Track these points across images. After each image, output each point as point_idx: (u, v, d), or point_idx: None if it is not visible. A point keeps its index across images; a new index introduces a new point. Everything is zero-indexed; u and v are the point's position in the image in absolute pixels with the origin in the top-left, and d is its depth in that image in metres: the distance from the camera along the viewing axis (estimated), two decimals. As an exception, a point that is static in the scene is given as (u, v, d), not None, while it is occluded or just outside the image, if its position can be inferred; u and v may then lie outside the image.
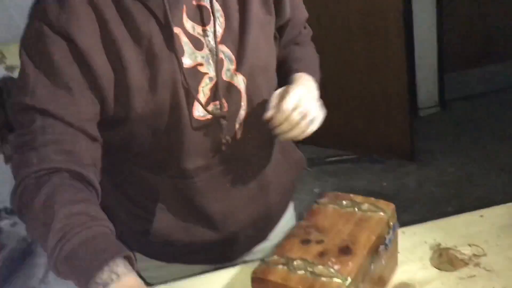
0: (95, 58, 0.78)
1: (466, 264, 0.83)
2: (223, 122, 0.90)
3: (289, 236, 0.78)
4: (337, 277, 0.68)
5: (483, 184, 2.73)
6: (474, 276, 0.81)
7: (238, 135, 0.93)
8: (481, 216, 0.94)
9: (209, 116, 0.89)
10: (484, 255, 0.85)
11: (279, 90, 0.89)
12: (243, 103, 0.93)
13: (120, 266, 0.68)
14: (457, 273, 0.82)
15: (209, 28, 0.86)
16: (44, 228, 0.72)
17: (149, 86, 0.82)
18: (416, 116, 3.50)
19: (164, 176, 0.92)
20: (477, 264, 0.83)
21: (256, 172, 0.98)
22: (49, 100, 0.77)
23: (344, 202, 0.83)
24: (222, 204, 0.95)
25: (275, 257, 0.74)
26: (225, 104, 0.90)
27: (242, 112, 0.93)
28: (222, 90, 0.89)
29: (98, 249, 0.70)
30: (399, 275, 0.84)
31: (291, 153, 1.09)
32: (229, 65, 0.89)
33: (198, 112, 0.88)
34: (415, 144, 3.11)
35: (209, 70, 0.87)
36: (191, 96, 0.86)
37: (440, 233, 0.91)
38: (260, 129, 0.92)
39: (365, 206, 0.82)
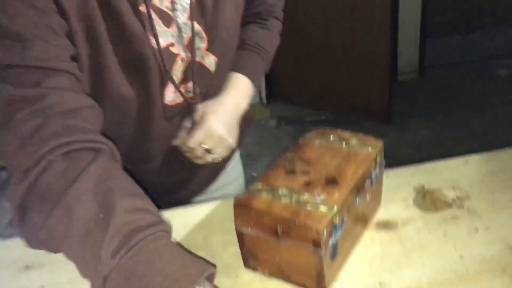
0: (73, 19, 0.68)
1: (449, 206, 0.82)
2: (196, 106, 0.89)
3: (274, 167, 0.75)
4: (323, 206, 0.66)
5: (456, 149, 2.77)
6: (457, 217, 0.80)
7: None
8: (466, 162, 0.93)
9: (180, 100, 0.86)
10: (468, 198, 0.84)
11: (195, 116, 0.90)
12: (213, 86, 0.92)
13: None
14: (440, 214, 0.81)
15: (178, 0, 0.79)
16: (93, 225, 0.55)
17: (122, 66, 0.76)
18: (395, 80, 3.50)
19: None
20: (460, 206, 0.82)
21: None
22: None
23: (332, 137, 0.81)
24: (175, 175, 1.00)
25: (259, 185, 0.71)
26: (197, 88, 0.88)
27: (212, 95, 0.92)
28: (193, 72, 0.85)
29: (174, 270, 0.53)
30: (381, 214, 0.82)
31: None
32: (199, 44, 0.84)
33: (169, 97, 0.85)
34: (392, 108, 3.12)
35: (180, 50, 0.82)
36: (165, 80, 0.81)
37: (424, 176, 0.90)
38: None
39: (353, 141, 0.79)
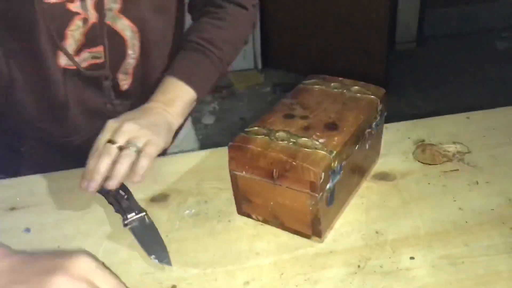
0: None
1: (449, 160, 0.80)
2: (105, 74, 0.80)
3: (271, 111, 0.72)
4: (322, 150, 0.63)
5: (451, 120, 2.75)
6: (458, 170, 0.78)
7: (123, 88, 0.84)
8: (468, 118, 0.91)
9: (85, 65, 0.78)
10: (469, 152, 0.81)
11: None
12: (131, 52, 0.81)
13: None
14: (440, 167, 0.79)
15: None
16: None
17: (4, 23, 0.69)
18: (392, 49, 3.45)
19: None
20: (461, 160, 0.80)
21: None
22: None
23: (332, 84, 0.78)
24: None
25: (256, 128, 0.68)
26: (105, 54, 0.78)
27: (130, 62, 0.83)
28: (102, 36, 0.76)
29: None
30: (380, 166, 0.80)
31: None
32: (111, 4, 0.75)
33: (66, 61, 0.77)
34: (389, 77, 3.09)
35: (82, 8, 0.73)
36: (54, 43, 0.73)
37: (424, 131, 0.88)
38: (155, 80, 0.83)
39: (355, 88, 0.76)
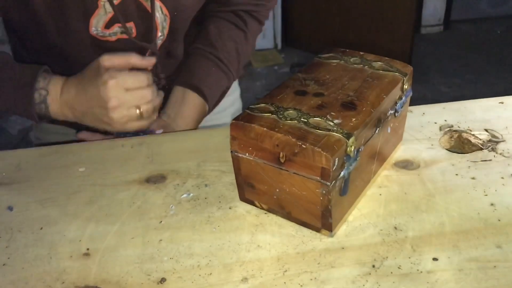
0: None
1: (480, 148, 0.71)
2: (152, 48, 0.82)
3: (281, 86, 0.64)
4: (337, 132, 0.55)
5: (476, 108, 2.63)
6: (490, 160, 0.69)
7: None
8: (501, 102, 0.82)
9: (113, 38, 0.79)
10: (503, 141, 0.72)
11: None
12: (160, 34, 0.83)
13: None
14: (470, 156, 0.70)
15: None
16: None
17: None
18: (417, 33, 3.32)
19: None
20: (493, 149, 0.71)
21: None
22: None
23: (352, 59, 0.69)
24: None
25: (262, 105, 0.60)
26: (134, 29, 0.80)
27: (157, 43, 0.84)
28: (132, 12, 0.78)
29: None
30: (402, 152, 0.71)
31: None
32: None
33: (97, 30, 0.78)
34: (413, 61, 2.97)
35: None
36: (90, 7, 0.75)
37: (453, 116, 0.79)
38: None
39: (378, 64, 0.67)
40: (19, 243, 0.59)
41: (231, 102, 1.04)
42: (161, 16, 0.82)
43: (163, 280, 0.54)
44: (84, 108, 0.74)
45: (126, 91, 0.72)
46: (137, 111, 0.74)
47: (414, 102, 0.73)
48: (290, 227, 0.60)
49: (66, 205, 0.65)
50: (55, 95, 0.74)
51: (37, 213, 0.64)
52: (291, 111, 0.58)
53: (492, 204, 0.62)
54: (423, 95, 2.76)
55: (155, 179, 0.69)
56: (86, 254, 0.57)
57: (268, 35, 3.33)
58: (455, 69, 3.05)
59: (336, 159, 0.53)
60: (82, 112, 0.75)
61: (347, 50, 0.71)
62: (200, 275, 0.54)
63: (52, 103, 0.74)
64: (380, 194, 0.64)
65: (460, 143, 0.73)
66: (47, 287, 0.54)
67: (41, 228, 0.62)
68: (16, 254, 0.58)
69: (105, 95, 0.71)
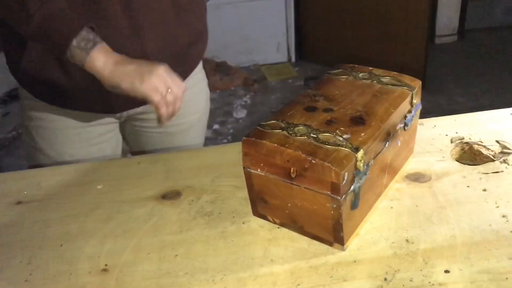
0: None
1: (492, 160, 0.72)
2: None
3: (291, 103, 0.66)
4: (346, 147, 0.56)
5: (493, 117, 2.61)
6: (502, 172, 0.69)
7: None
8: (513, 114, 0.82)
9: None
10: (514, 152, 0.73)
11: None
12: None
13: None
14: (481, 168, 0.70)
15: None
16: None
17: None
18: (431, 42, 3.31)
19: None
20: (505, 161, 0.71)
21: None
22: None
23: (361, 74, 0.70)
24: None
25: (272, 121, 0.61)
26: None
27: None
28: None
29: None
30: (413, 165, 0.72)
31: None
32: None
33: None
34: (427, 72, 2.96)
35: None
36: None
37: (464, 127, 0.79)
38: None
39: (386, 79, 0.69)
40: (40, 260, 0.61)
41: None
42: None
43: (178, 294, 0.55)
44: (133, 63, 0.78)
45: (171, 78, 0.78)
46: (165, 91, 0.78)
47: (429, 112, 0.74)
48: (303, 241, 0.61)
49: (85, 222, 0.67)
50: (105, 45, 0.78)
51: (57, 230, 0.66)
52: (301, 127, 0.59)
53: (503, 216, 0.62)
54: (439, 105, 2.74)
55: (171, 195, 0.71)
56: (105, 270, 0.59)
57: (282, 49, 3.35)
58: (471, 78, 3.03)
59: (346, 173, 0.54)
60: (129, 62, 0.78)
61: (356, 66, 0.72)
62: (214, 289, 0.55)
63: (97, 51, 0.76)
64: (392, 207, 0.65)
65: (472, 155, 0.73)
66: (67, 302, 0.55)
67: (61, 245, 0.64)
68: (37, 271, 0.60)
69: (157, 65, 0.78)
